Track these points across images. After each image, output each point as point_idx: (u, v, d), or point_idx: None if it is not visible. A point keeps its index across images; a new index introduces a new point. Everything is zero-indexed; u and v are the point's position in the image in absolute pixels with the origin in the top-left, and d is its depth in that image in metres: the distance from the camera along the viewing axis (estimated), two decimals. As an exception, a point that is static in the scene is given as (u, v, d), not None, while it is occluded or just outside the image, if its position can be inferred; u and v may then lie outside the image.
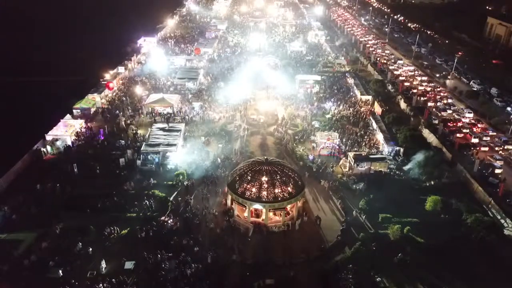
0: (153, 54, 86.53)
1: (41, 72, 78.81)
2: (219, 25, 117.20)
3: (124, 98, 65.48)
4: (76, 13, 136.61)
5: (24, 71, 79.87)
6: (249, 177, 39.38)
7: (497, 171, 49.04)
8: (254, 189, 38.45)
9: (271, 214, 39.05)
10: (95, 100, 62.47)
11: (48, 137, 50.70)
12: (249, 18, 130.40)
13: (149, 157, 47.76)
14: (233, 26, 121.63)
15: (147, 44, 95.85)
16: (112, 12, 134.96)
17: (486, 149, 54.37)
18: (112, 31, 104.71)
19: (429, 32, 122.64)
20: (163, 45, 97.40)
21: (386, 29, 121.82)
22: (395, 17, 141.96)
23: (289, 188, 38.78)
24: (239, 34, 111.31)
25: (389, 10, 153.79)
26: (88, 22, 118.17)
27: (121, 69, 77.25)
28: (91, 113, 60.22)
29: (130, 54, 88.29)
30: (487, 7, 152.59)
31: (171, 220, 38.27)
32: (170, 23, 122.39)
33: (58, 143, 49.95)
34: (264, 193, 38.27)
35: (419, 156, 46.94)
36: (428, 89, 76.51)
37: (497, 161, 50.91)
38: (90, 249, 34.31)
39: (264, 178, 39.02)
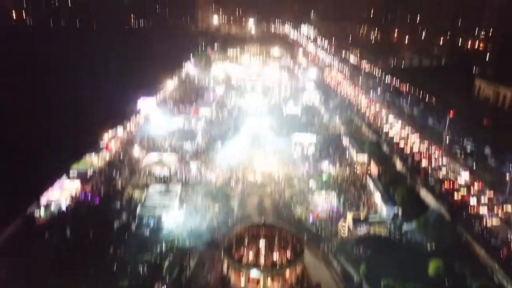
0: (152, 116, 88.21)
1: (39, 133, 79.61)
2: (217, 87, 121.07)
3: (121, 159, 65.71)
4: (76, 75, 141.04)
5: (22, 131, 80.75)
6: (246, 242, 38.54)
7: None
8: (251, 254, 37.46)
9: (269, 280, 37.67)
10: (92, 162, 62.57)
11: (42, 200, 50.04)
12: (246, 80, 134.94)
13: (144, 220, 46.92)
14: (231, 89, 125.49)
15: (146, 105, 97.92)
16: (113, 73, 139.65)
17: (485, 208, 53.86)
18: (112, 93, 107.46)
19: (419, 93, 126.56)
20: (162, 106, 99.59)
21: (379, 91, 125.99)
22: (387, 79, 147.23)
23: (287, 253, 37.85)
24: (236, 96, 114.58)
25: (380, 73, 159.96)
26: (88, 83, 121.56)
27: (120, 129, 78.29)
28: (88, 175, 60.03)
29: (129, 115, 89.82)
30: (474, 70, 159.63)
31: (165, 287, 36.76)
32: (170, 85, 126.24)
33: (52, 206, 49.21)
34: (262, 258, 37.25)
35: (420, 218, 46.50)
36: (422, 148, 77.43)
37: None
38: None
39: (262, 242, 38.18)
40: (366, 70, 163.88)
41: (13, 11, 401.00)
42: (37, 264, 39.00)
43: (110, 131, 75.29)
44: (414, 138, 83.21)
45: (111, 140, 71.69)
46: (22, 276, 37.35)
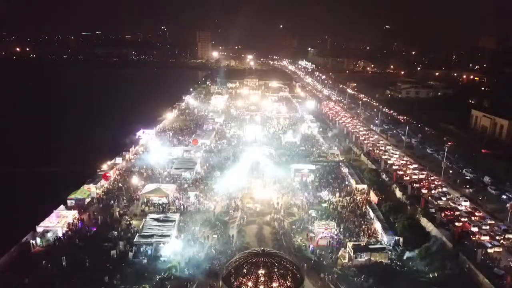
0: (151, 145, 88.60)
1: (39, 162, 79.83)
2: (217, 118, 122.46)
3: (119, 188, 65.47)
4: (76, 106, 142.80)
5: (23, 161, 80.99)
6: (245, 270, 37.72)
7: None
8: (250, 283, 36.60)
9: (268, 310, 36.64)
10: (90, 191, 62.29)
11: (39, 228, 49.49)
12: (245, 111, 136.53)
13: (141, 249, 46.24)
14: (230, 119, 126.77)
15: (146, 136, 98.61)
16: (113, 105, 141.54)
17: (487, 238, 53.28)
18: (112, 124, 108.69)
19: (417, 124, 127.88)
20: (162, 137, 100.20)
21: (376, 121, 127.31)
22: (384, 110, 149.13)
23: (287, 282, 36.95)
24: (235, 126, 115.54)
25: (377, 104, 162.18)
26: (88, 115, 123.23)
27: (118, 159, 78.44)
28: (85, 203, 59.62)
29: (128, 146, 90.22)
30: (470, 101, 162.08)
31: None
32: (169, 116, 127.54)
33: (49, 235, 48.59)
34: (261, 287, 36.36)
35: (421, 246, 45.87)
36: (422, 176, 77.53)
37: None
38: None
39: (261, 271, 37.37)
40: (364, 101, 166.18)
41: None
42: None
43: (108, 162, 75.47)
44: (413, 167, 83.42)
45: (110, 169, 71.65)
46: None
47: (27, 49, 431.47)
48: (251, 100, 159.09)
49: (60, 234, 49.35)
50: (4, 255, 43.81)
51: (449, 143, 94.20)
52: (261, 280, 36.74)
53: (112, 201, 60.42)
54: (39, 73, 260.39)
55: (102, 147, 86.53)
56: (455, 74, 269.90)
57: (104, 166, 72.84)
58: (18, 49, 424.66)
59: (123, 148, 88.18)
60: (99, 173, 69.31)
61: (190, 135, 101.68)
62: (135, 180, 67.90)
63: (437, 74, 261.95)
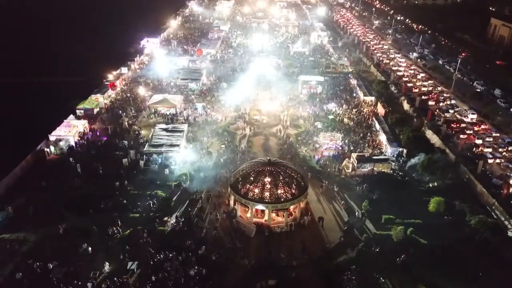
0: (156, 55, 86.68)
1: (45, 72, 79.02)
2: (222, 26, 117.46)
3: (127, 98, 65.67)
4: (79, 14, 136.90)
5: (28, 72, 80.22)
6: (252, 178, 39.33)
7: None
8: (257, 190, 38.40)
9: (274, 215, 39.02)
10: (98, 101, 62.62)
11: (52, 137, 50.83)
12: (252, 19, 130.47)
13: (152, 157, 47.82)
14: (236, 27, 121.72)
15: (150, 45, 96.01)
16: (116, 13, 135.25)
17: (490, 150, 54.15)
18: (116, 32, 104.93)
19: (432, 33, 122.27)
20: (166, 46, 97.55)
21: (389, 30, 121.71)
22: (398, 18, 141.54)
23: (292, 189, 38.70)
24: (241, 35, 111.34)
25: (391, 11, 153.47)
26: (92, 23, 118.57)
27: (124, 69, 77.45)
28: (94, 113, 60.35)
29: (133, 55, 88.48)
30: (491, 8, 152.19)
31: (174, 220, 38.31)
32: (173, 24, 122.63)
33: (61, 143, 50.00)
34: (267, 193, 38.21)
35: (424, 157, 46.83)
36: (430, 88, 76.44)
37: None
38: (91, 249, 34.31)
39: (267, 179, 38.95)
40: (378, 8, 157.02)
41: None
42: (50, 196, 40.50)
43: (114, 72, 74.54)
44: (423, 78, 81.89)
45: (116, 79, 71.11)
46: (38, 207, 39.04)
47: None
48: (258, 6, 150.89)
49: (72, 143, 50.77)
50: (21, 162, 45.74)
51: (462, 54, 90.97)
52: (267, 187, 38.52)
53: (120, 111, 60.99)
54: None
55: (106, 56, 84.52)
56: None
57: (110, 76, 72.18)
58: None
59: (128, 57, 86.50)
60: (105, 83, 68.99)
61: (195, 44, 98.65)
62: (141, 91, 67.75)
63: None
